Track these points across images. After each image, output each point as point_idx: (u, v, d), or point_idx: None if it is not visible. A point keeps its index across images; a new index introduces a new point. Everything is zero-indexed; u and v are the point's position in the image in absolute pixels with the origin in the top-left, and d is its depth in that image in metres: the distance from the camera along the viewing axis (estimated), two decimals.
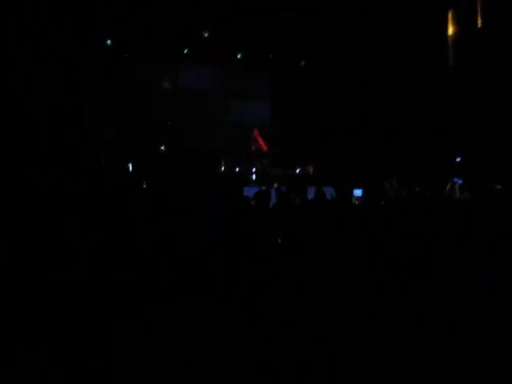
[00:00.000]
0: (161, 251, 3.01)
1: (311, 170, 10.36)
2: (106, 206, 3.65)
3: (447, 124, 9.51)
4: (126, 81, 10.69)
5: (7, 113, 6.86)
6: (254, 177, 10.10)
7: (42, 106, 7.45)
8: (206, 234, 3.47)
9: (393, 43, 10.05)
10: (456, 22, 9.41)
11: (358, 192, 7.95)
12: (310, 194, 5.72)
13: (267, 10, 10.33)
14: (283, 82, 11.89)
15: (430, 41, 9.51)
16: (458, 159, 9.11)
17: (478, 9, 8.78)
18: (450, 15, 9.46)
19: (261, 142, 10.77)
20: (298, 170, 10.45)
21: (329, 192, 5.73)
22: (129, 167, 8.91)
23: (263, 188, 7.77)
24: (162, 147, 10.65)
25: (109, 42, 10.49)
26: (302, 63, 11.92)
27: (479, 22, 8.76)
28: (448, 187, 6.56)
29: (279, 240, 3.78)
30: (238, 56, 11.70)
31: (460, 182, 6.59)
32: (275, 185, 8.44)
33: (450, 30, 9.47)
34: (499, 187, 5.15)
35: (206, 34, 11.08)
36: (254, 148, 10.60)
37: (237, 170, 10.51)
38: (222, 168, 10.47)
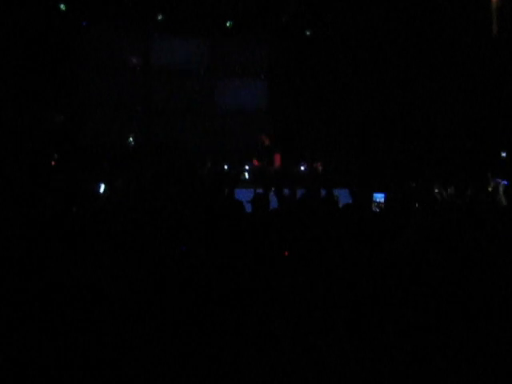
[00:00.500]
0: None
1: (320, 168, 10.36)
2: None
3: (488, 109, 9.90)
4: (81, 55, 10.72)
5: None
6: (246, 175, 10.15)
7: None
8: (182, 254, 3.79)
9: (427, 10, 10.47)
10: None
11: (379, 196, 8.04)
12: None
13: None
14: (285, 56, 11.95)
15: (471, 9, 10.00)
16: (504, 154, 9.27)
17: None
18: None
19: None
20: (302, 168, 10.48)
21: (342, 196, 5.82)
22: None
23: (259, 191, 7.90)
24: (130, 139, 10.51)
25: (62, 6, 10.39)
26: (309, 33, 11.90)
27: None
28: (490, 189, 6.72)
29: (286, 253, 3.96)
30: (228, 24, 11.65)
31: (504, 182, 6.69)
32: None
33: None
34: None
35: None
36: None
37: (226, 168, 10.45)
38: (208, 166, 10.39)
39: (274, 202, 5.53)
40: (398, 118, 11.04)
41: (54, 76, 10.22)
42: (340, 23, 11.27)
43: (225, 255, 3.75)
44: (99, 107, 10.99)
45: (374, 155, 10.65)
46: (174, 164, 9.77)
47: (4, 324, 2.95)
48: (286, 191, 7.41)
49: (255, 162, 10.50)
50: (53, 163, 8.72)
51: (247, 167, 10.45)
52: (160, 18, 11.26)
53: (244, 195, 6.17)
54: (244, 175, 10.16)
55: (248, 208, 5.10)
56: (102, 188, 7.13)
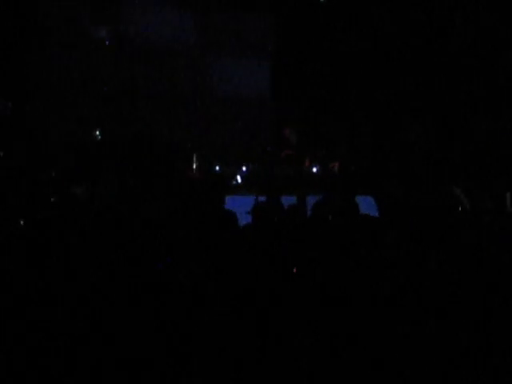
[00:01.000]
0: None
1: (337, 168, 10.31)
2: None
3: None
4: (33, 26, 10.70)
5: None
6: (239, 179, 10.32)
7: None
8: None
9: None
10: None
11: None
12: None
13: None
14: (293, 29, 11.88)
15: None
16: None
17: None
18: None
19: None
20: (314, 169, 10.41)
21: (365, 204, 5.70)
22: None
23: (261, 198, 8.03)
24: (96, 133, 10.41)
25: None
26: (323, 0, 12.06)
27: None
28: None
29: (295, 270, 4.31)
30: None
31: None
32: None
33: None
34: None
35: None
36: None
37: (217, 169, 10.49)
38: (194, 166, 10.47)
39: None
40: (435, 107, 11.27)
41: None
42: None
43: (221, 275, 4.15)
44: (56, 92, 10.96)
45: (403, 152, 10.79)
46: (152, 164, 9.73)
47: None
48: (290, 199, 7.46)
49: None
50: None
51: (244, 169, 10.55)
52: None
53: (238, 204, 6.08)
54: (236, 178, 10.30)
55: (244, 219, 5.28)
56: None
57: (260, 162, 10.57)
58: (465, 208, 6.85)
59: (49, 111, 10.79)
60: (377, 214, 7.85)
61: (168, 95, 11.65)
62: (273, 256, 4.44)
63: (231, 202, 7.22)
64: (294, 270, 4.34)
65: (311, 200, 7.35)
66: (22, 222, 5.00)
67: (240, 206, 6.13)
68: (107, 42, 11.49)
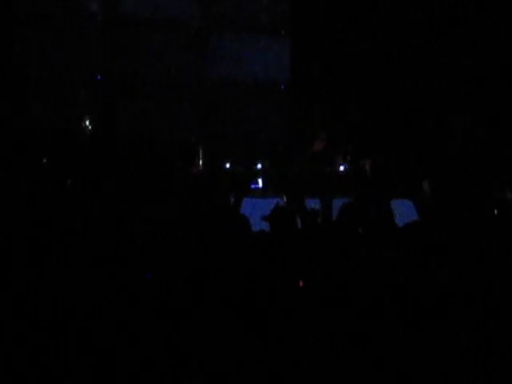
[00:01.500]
0: None
1: (368, 168, 10.35)
2: None
3: None
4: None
5: None
6: (260, 183, 10.36)
7: None
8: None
9: None
10: None
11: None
12: None
13: None
14: (316, 3, 11.98)
15: None
16: None
17: None
18: None
19: None
20: (342, 167, 10.52)
21: (402, 209, 5.64)
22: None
23: (281, 202, 8.16)
24: (86, 123, 10.42)
25: None
26: None
27: None
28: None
29: (301, 284, 4.46)
30: None
31: None
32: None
33: None
34: None
35: None
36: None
37: (227, 166, 10.60)
38: (200, 163, 10.59)
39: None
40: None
41: None
42: None
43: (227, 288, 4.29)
44: (42, 76, 11.06)
45: (444, 151, 10.89)
46: (150, 160, 9.78)
47: None
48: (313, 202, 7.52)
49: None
50: None
51: (259, 166, 10.65)
52: None
53: (255, 207, 6.14)
54: (256, 180, 10.31)
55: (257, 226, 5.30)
56: None
57: (277, 159, 10.67)
58: None
59: (35, 98, 10.90)
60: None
61: (166, 80, 11.76)
62: (284, 267, 4.56)
63: (248, 206, 7.25)
64: (301, 284, 4.49)
65: (338, 204, 7.41)
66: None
67: (257, 210, 6.18)
68: (99, 19, 11.55)
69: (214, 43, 12.05)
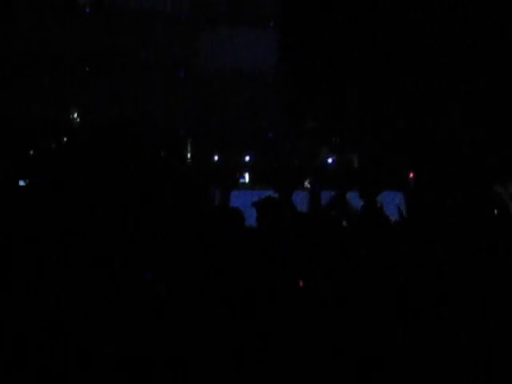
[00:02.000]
0: None
1: (355, 161, 10.33)
2: None
3: None
4: None
5: None
6: (246, 178, 10.37)
7: None
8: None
9: None
10: None
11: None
12: None
13: None
14: None
15: None
16: None
17: None
18: None
19: None
20: (330, 160, 10.45)
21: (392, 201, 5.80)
22: None
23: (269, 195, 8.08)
24: (74, 115, 10.37)
25: None
26: None
27: None
28: None
29: (301, 284, 4.37)
30: None
31: None
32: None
33: None
34: None
35: None
36: None
37: (215, 159, 10.53)
38: (188, 156, 10.58)
39: None
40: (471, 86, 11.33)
41: None
42: None
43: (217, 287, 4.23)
44: (30, 66, 11.00)
45: (433, 143, 10.84)
46: (139, 153, 9.74)
47: None
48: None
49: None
50: None
51: (247, 158, 10.61)
52: None
53: (245, 200, 6.12)
54: (243, 176, 10.31)
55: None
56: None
57: (266, 152, 10.67)
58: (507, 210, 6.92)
59: (22, 89, 10.85)
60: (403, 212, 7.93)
61: (156, 70, 11.75)
62: (276, 260, 4.51)
63: (238, 199, 7.23)
64: (301, 284, 4.47)
65: (325, 196, 7.41)
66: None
67: (246, 203, 6.15)
68: (88, 11, 11.59)
69: (203, 35, 12.04)
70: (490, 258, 4.69)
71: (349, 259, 4.64)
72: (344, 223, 5.70)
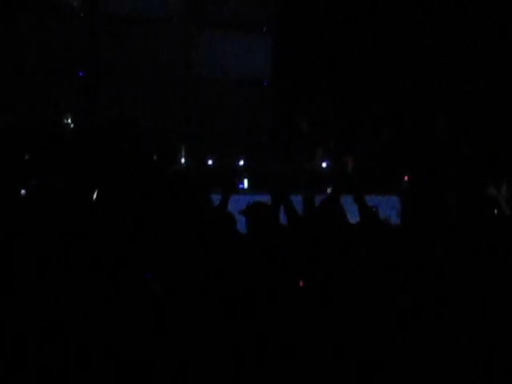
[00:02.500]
0: None
1: (350, 164, 10.28)
2: None
3: None
4: None
5: None
6: (245, 184, 10.44)
7: None
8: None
9: None
10: None
11: None
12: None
13: None
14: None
15: None
16: None
17: None
18: None
19: None
20: (324, 164, 10.51)
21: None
22: None
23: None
24: (68, 120, 10.44)
25: None
26: None
27: None
28: None
29: (301, 284, 4.49)
30: None
31: None
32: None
33: None
34: None
35: None
36: None
37: (209, 163, 10.60)
38: (182, 161, 10.55)
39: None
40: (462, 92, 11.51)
41: None
42: None
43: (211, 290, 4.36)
44: (22, 72, 11.03)
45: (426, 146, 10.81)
46: (132, 157, 9.72)
47: None
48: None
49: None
50: None
51: (241, 162, 10.61)
52: None
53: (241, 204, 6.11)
54: (242, 180, 10.36)
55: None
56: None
57: (260, 156, 10.75)
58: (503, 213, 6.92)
59: (14, 94, 10.85)
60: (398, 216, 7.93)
61: (149, 75, 11.75)
62: (275, 260, 4.63)
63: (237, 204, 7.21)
64: (301, 284, 4.55)
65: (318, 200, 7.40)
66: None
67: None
68: (82, 15, 11.54)
69: (198, 40, 12.06)
70: (489, 259, 4.76)
71: (347, 261, 4.72)
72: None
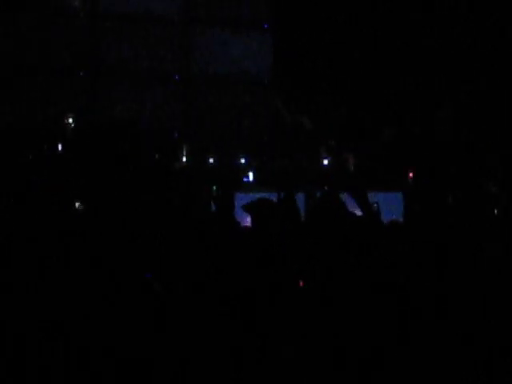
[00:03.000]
0: None
1: (351, 162, 10.25)
2: None
3: None
4: None
5: None
6: (250, 176, 10.26)
7: None
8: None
9: None
10: None
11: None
12: None
13: None
14: None
15: None
16: None
17: None
18: None
19: None
20: (326, 161, 10.60)
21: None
22: None
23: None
24: (69, 120, 10.41)
25: None
26: None
27: None
28: None
29: (301, 284, 4.47)
30: None
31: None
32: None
33: None
34: None
35: None
36: None
37: (211, 161, 10.57)
38: (183, 159, 10.50)
39: None
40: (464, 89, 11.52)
41: None
42: None
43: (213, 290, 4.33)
44: (22, 72, 11.00)
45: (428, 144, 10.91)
46: (134, 155, 9.70)
47: None
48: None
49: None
50: None
51: (243, 161, 10.56)
52: None
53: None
54: (247, 174, 10.23)
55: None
56: None
57: (262, 154, 10.72)
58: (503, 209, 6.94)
59: (14, 95, 10.82)
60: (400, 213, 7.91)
61: (149, 74, 11.71)
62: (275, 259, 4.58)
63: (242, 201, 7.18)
64: (301, 284, 4.52)
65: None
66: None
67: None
68: (82, 15, 11.48)
69: (197, 38, 11.99)
70: (489, 259, 4.75)
71: (347, 260, 4.62)
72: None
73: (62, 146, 10.01)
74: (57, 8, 11.34)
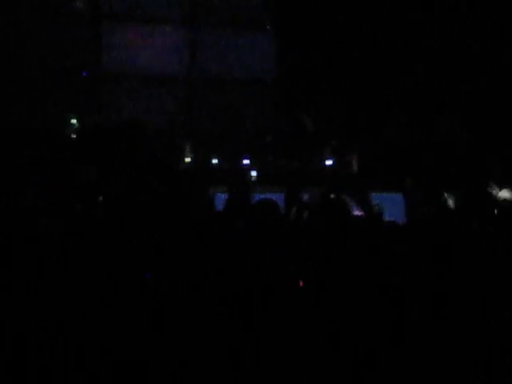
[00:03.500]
0: None
1: (355, 164, 10.27)
2: None
3: None
4: None
5: None
6: (253, 174, 10.29)
7: None
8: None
9: None
10: None
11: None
12: None
13: None
14: None
15: None
16: None
17: None
18: None
19: None
20: (329, 162, 10.63)
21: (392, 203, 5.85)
22: None
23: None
24: (73, 121, 10.42)
25: None
26: None
27: None
28: None
29: (301, 284, 4.46)
30: None
31: None
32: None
33: None
34: None
35: None
36: None
37: (214, 162, 10.63)
38: (187, 159, 10.57)
39: None
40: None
41: None
42: None
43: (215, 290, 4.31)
44: (26, 74, 11.00)
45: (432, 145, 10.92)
46: (138, 156, 9.70)
47: None
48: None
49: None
50: None
51: (246, 162, 10.57)
52: None
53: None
54: (249, 174, 10.29)
55: None
56: None
57: (265, 155, 10.74)
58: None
59: (17, 96, 10.78)
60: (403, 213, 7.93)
61: (152, 75, 11.75)
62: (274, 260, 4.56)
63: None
64: (301, 284, 4.50)
65: None
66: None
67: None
68: (85, 16, 11.54)
69: (200, 38, 12.04)
70: (489, 259, 4.71)
71: (348, 259, 4.64)
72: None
73: (64, 146, 10.04)
74: (57, 8, 11.38)
